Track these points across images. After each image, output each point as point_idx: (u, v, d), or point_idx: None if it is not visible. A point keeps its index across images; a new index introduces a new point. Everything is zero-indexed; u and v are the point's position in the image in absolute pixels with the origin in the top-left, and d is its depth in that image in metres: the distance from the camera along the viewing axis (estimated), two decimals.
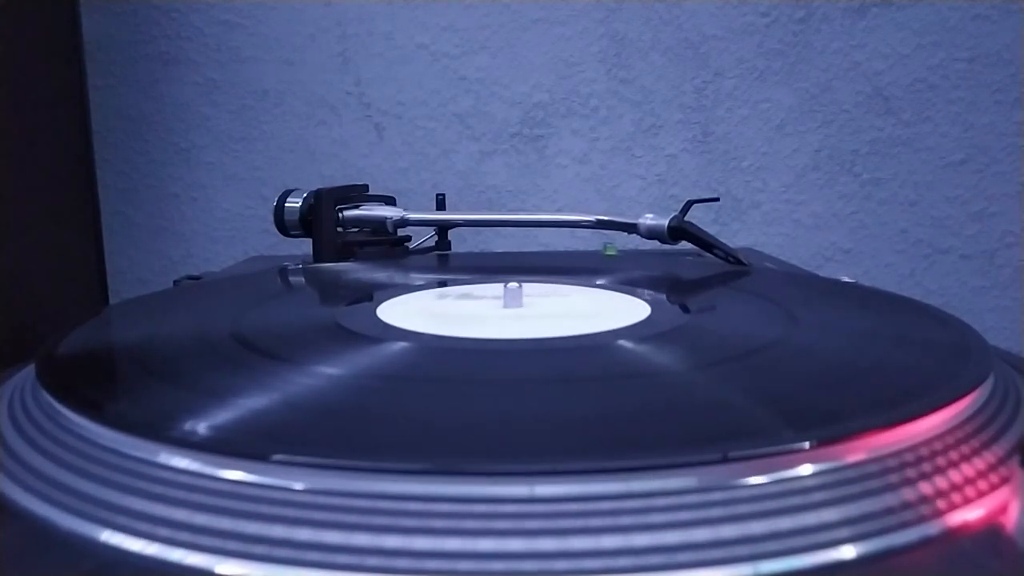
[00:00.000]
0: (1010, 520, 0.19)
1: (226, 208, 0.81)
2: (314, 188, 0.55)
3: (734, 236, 0.78)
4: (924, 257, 0.79)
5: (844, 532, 0.18)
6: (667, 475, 0.19)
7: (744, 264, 0.49)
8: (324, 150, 0.80)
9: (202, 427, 0.22)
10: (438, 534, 0.18)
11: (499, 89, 0.78)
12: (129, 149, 0.80)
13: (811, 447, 0.20)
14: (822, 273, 0.59)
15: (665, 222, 0.51)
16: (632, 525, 0.18)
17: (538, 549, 0.17)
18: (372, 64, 0.78)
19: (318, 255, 0.53)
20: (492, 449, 0.21)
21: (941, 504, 0.19)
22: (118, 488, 0.20)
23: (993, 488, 0.20)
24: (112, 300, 0.74)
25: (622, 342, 0.30)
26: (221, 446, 0.20)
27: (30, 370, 0.28)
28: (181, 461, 0.20)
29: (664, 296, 0.39)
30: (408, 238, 0.58)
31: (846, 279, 0.44)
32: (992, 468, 0.21)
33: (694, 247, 0.52)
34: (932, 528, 0.19)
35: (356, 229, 0.56)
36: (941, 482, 0.20)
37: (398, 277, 0.46)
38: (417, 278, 0.45)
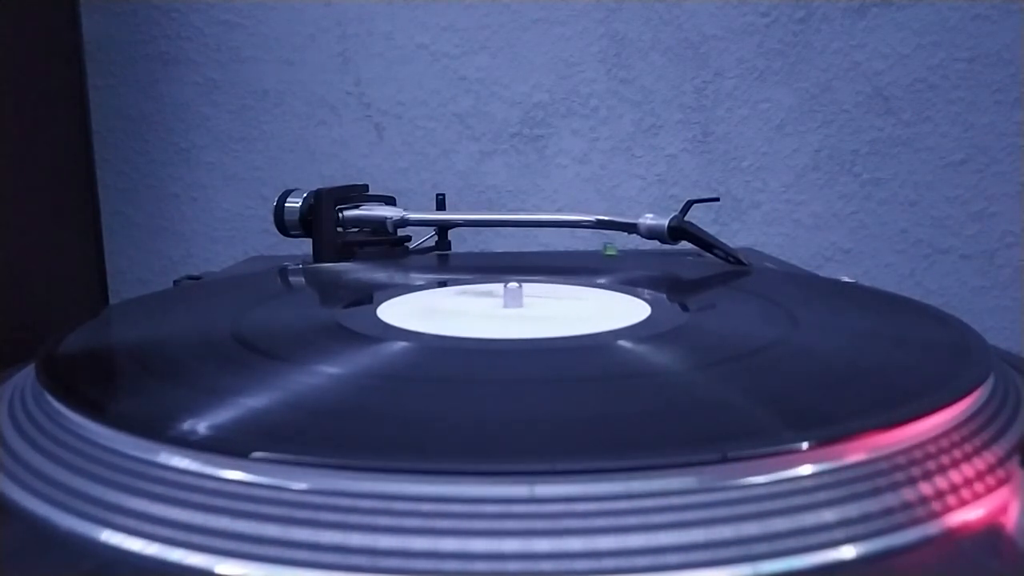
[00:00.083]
0: (1010, 520, 0.19)
1: (226, 208, 0.81)
2: (314, 188, 0.55)
3: (734, 236, 0.78)
4: (924, 257, 0.79)
5: (844, 532, 0.18)
6: (667, 475, 0.19)
7: (744, 264, 0.49)
8: (324, 150, 0.80)
9: (202, 427, 0.22)
10: (438, 534, 0.18)
11: (499, 89, 0.78)
12: (129, 149, 0.80)
13: (811, 447, 0.20)
14: (822, 273, 0.59)
15: (665, 222, 0.51)
16: (632, 525, 0.18)
17: (538, 549, 0.17)
18: (372, 64, 0.78)
19: (318, 255, 0.53)
20: (492, 449, 0.21)
21: (941, 504, 0.19)
22: (118, 488, 0.20)
23: (993, 488, 0.20)
24: (112, 300, 0.74)
25: (622, 342, 0.30)
26: (221, 446, 0.20)
27: (30, 370, 0.28)
28: (181, 461, 0.20)
29: (664, 296, 0.39)
30: (408, 238, 0.58)
31: (846, 279, 0.44)
32: (992, 468, 0.21)
33: (694, 247, 0.52)
34: (932, 528, 0.19)
35: (356, 229, 0.56)
36: (941, 482, 0.20)
37: (398, 277, 0.46)
38: (417, 278, 0.45)
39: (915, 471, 0.20)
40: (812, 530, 0.18)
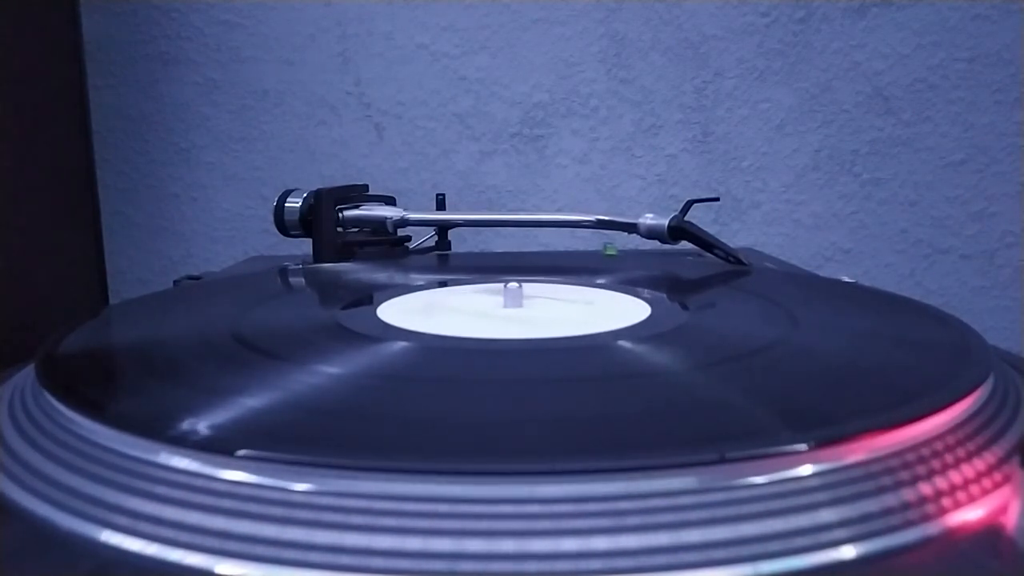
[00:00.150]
0: (1010, 520, 0.19)
1: (226, 208, 0.81)
2: (314, 188, 0.55)
3: (734, 236, 0.78)
4: (924, 257, 0.79)
5: (844, 532, 0.18)
6: (667, 475, 0.19)
7: (744, 264, 0.49)
8: (324, 150, 0.80)
9: (202, 427, 0.22)
10: (438, 535, 0.18)
11: (499, 89, 0.78)
12: (129, 149, 0.80)
13: (811, 448, 0.20)
14: (822, 273, 0.59)
15: (665, 222, 0.51)
16: (632, 526, 0.18)
17: (538, 550, 0.17)
18: (372, 64, 0.78)
19: (318, 255, 0.53)
20: (492, 449, 0.21)
21: (941, 504, 0.19)
22: (118, 488, 0.20)
23: (993, 488, 0.20)
24: (112, 300, 0.74)
25: (622, 342, 0.30)
26: (221, 446, 0.20)
27: (30, 370, 0.28)
28: (181, 461, 0.20)
29: (664, 296, 0.39)
30: (408, 238, 0.58)
31: (846, 279, 0.44)
32: (992, 468, 0.21)
33: (694, 247, 0.52)
34: (932, 528, 0.19)
35: (356, 229, 0.56)
36: (941, 482, 0.20)
37: (398, 277, 0.46)
38: (417, 278, 0.45)
39: (915, 471, 0.20)
40: (812, 530, 0.18)
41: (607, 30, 0.77)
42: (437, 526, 0.18)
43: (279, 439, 0.21)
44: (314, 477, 0.19)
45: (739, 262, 0.49)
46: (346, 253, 0.53)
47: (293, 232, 0.56)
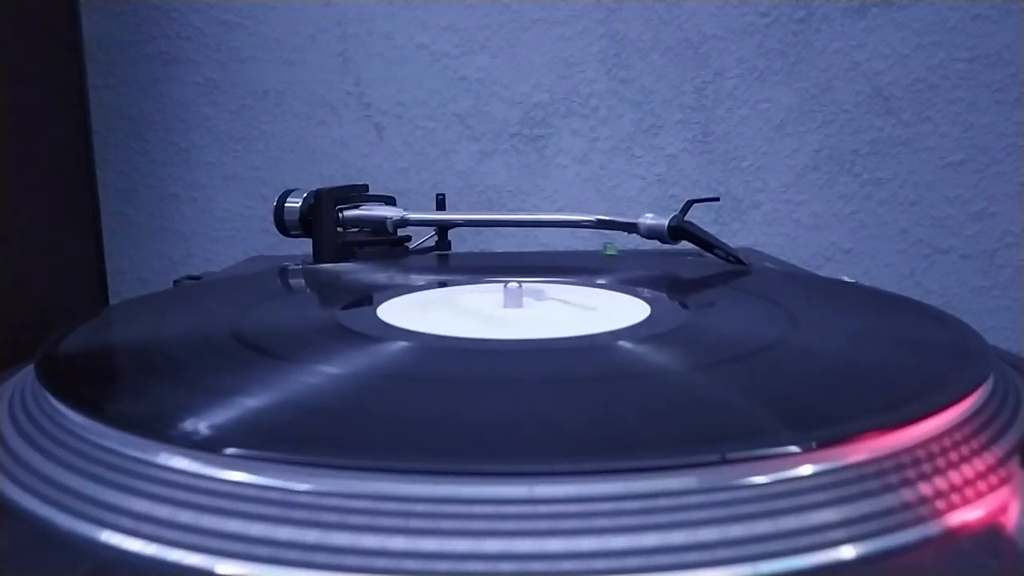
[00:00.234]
0: (1010, 520, 0.19)
1: (226, 208, 0.81)
2: (314, 188, 0.55)
3: (734, 236, 0.78)
4: (924, 257, 0.79)
5: (844, 532, 0.18)
6: (667, 476, 0.19)
7: (744, 264, 0.49)
8: (324, 150, 0.80)
9: (202, 427, 0.22)
10: (438, 535, 0.18)
11: (499, 89, 0.78)
12: (129, 149, 0.80)
13: (811, 448, 0.20)
14: (822, 273, 0.59)
15: (665, 222, 0.51)
16: (631, 526, 0.18)
17: (538, 550, 0.17)
18: (372, 64, 0.78)
19: (318, 255, 0.53)
20: (491, 450, 0.21)
21: (941, 504, 0.19)
22: (118, 488, 0.20)
23: (993, 488, 0.20)
24: (112, 300, 0.74)
25: (622, 342, 0.30)
26: (221, 446, 0.20)
27: (30, 370, 0.28)
28: (181, 461, 0.20)
29: (664, 296, 0.39)
30: (408, 238, 0.58)
31: (846, 279, 0.44)
32: (992, 469, 0.21)
33: (694, 247, 0.52)
34: (932, 528, 0.19)
35: (356, 229, 0.56)
36: (941, 482, 0.20)
37: (398, 277, 0.46)
38: (417, 278, 0.45)
39: (915, 471, 0.20)
40: (812, 530, 0.18)
41: (607, 30, 0.77)
42: (437, 526, 0.18)
43: (279, 439, 0.21)
44: (314, 477, 0.19)
45: (739, 262, 0.49)
46: (346, 253, 0.53)
47: (293, 232, 0.56)
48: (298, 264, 0.52)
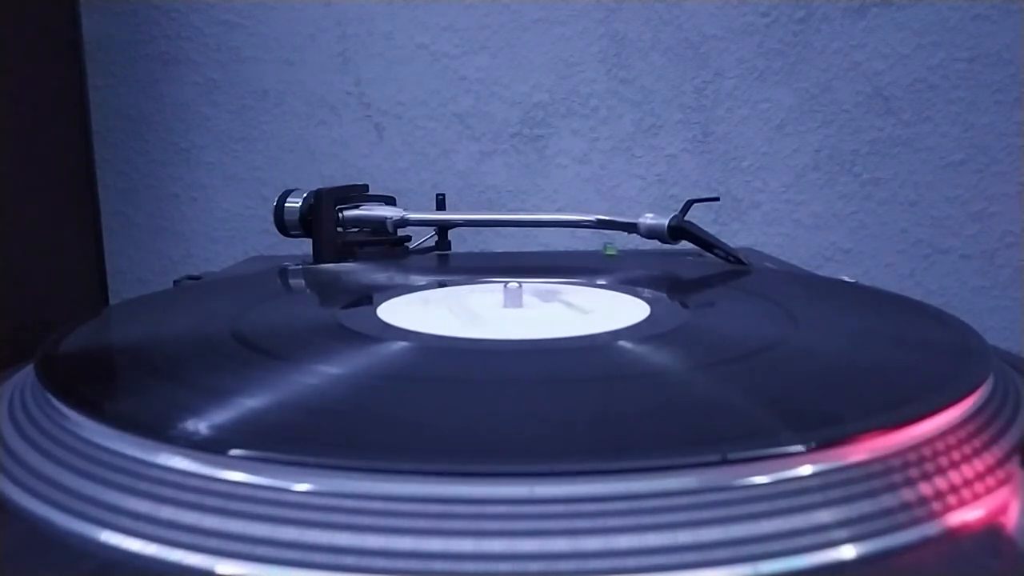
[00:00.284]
0: (1010, 520, 0.19)
1: (226, 208, 0.81)
2: (314, 188, 0.55)
3: (734, 236, 0.78)
4: (924, 257, 0.79)
5: (844, 532, 0.18)
6: (667, 476, 0.19)
7: (744, 264, 0.49)
8: (324, 150, 0.80)
9: (202, 427, 0.22)
10: (438, 535, 0.18)
11: (499, 89, 0.78)
12: (129, 149, 0.80)
13: (811, 448, 0.20)
14: (822, 273, 0.59)
15: (665, 222, 0.51)
16: (632, 526, 0.18)
17: (538, 550, 0.17)
18: (372, 64, 0.78)
19: (318, 255, 0.53)
20: (491, 450, 0.21)
21: (941, 504, 0.19)
22: (118, 488, 0.20)
23: (993, 488, 0.20)
24: (112, 300, 0.74)
25: (622, 342, 0.30)
26: (221, 446, 0.20)
27: (30, 370, 0.28)
28: (181, 461, 0.20)
29: (664, 296, 0.39)
30: (408, 238, 0.58)
31: (846, 279, 0.44)
32: (992, 469, 0.21)
33: (694, 247, 0.52)
34: (932, 528, 0.19)
35: (356, 229, 0.56)
36: (941, 483, 0.20)
37: (398, 277, 0.46)
38: (417, 278, 0.45)
39: (915, 471, 0.20)
40: (812, 530, 0.18)
41: (607, 30, 0.77)
42: (437, 526, 0.18)
43: (279, 439, 0.21)
44: (314, 477, 0.19)
45: (739, 262, 0.49)
46: (346, 253, 0.53)
47: (293, 232, 0.56)
48: (298, 264, 0.52)
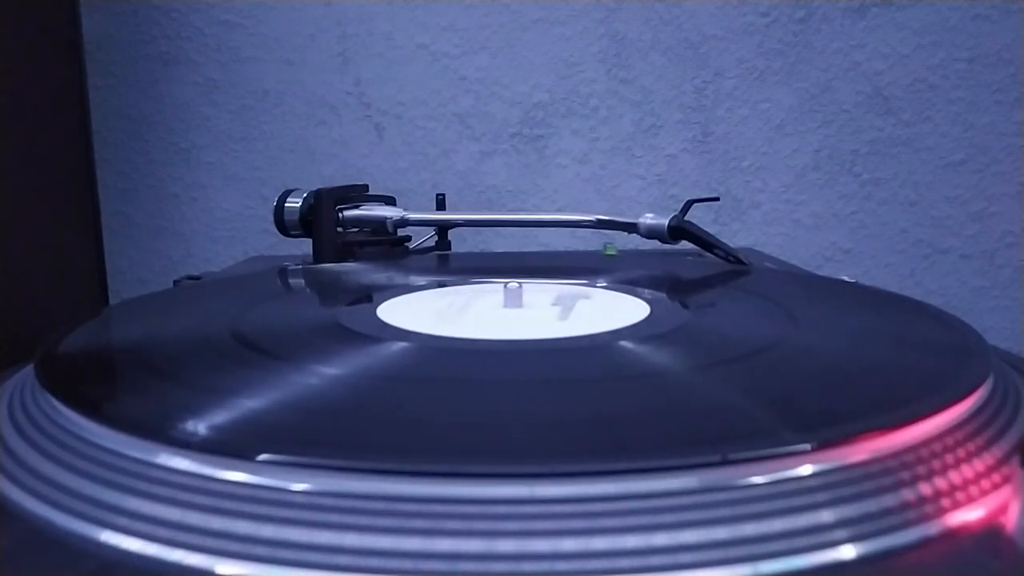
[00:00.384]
0: (1010, 520, 0.19)
1: (226, 208, 0.81)
2: (314, 188, 0.55)
3: (734, 236, 0.78)
4: (924, 257, 0.79)
5: (844, 532, 0.18)
6: (667, 476, 0.19)
7: (744, 264, 0.49)
8: (324, 150, 0.80)
9: (202, 427, 0.22)
10: (438, 535, 0.18)
11: (499, 89, 0.78)
12: (129, 149, 0.80)
13: (811, 448, 0.20)
14: (822, 273, 0.59)
15: (665, 222, 0.51)
16: (632, 526, 0.18)
17: (538, 550, 0.17)
18: (372, 64, 0.78)
19: (318, 255, 0.53)
20: (492, 450, 0.21)
21: (941, 504, 0.19)
22: (117, 488, 0.20)
23: (993, 488, 0.20)
24: (112, 300, 0.74)
25: (622, 342, 0.30)
26: (221, 446, 0.20)
27: (30, 370, 0.28)
28: (180, 461, 0.20)
29: (664, 296, 0.39)
30: (408, 238, 0.58)
31: (846, 279, 0.44)
32: (992, 468, 0.21)
33: (694, 247, 0.52)
34: (932, 528, 0.19)
35: (356, 229, 0.56)
36: (941, 482, 0.20)
37: (398, 277, 0.46)
38: (417, 278, 0.45)
39: (915, 471, 0.20)
40: (812, 530, 0.18)
41: (607, 30, 0.77)
42: (437, 527, 0.18)
43: (278, 440, 0.21)
44: (313, 477, 0.19)
45: (739, 262, 0.49)
46: (346, 253, 0.53)
47: (293, 232, 0.56)
48: (298, 264, 0.52)
